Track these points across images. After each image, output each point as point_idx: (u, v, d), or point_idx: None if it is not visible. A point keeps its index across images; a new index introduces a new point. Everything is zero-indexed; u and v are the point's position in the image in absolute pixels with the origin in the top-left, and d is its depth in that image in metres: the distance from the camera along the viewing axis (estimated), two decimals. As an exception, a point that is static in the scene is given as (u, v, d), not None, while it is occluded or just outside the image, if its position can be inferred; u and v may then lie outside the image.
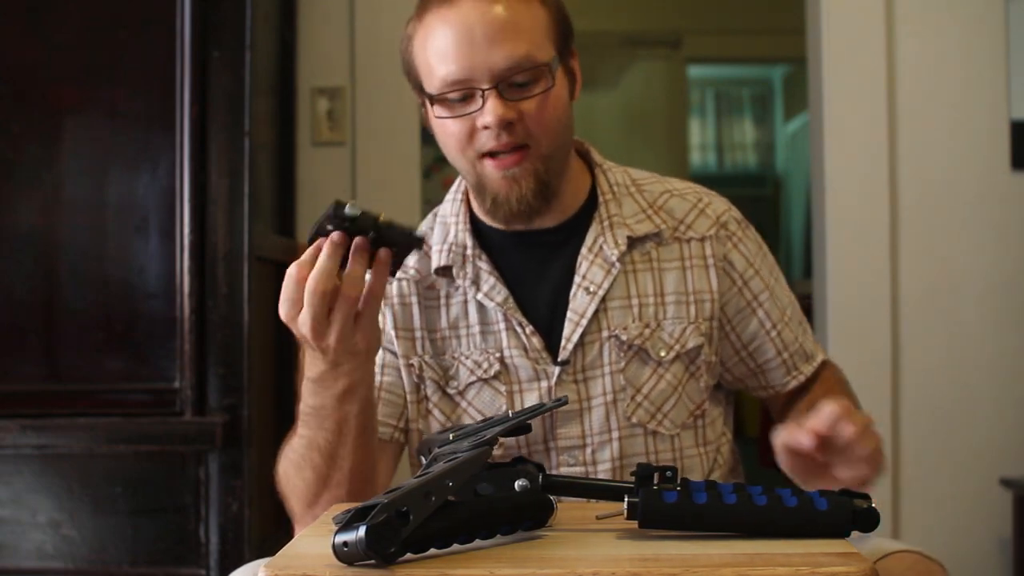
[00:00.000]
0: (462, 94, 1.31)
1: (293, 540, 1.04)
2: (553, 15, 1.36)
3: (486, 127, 1.31)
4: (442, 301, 1.43)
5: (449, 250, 1.43)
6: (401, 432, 1.43)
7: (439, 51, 1.31)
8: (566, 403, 1.07)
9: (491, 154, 1.33)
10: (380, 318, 1.42)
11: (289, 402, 2.61)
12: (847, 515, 1.00)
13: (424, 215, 1.54)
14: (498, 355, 1.40)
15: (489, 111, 1.30)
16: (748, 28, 5.91)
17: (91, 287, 2.19)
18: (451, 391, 1.41)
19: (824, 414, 1.12)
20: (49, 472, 2.15)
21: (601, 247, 1.41)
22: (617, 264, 1.40)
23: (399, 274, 1.43)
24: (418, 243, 1.11)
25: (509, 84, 1.31)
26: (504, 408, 1.39)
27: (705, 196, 1.48)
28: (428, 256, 1.45)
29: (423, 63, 1.34)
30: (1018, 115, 2.72)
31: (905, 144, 2.74)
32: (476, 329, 1.41)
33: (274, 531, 2.45)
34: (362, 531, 0.88)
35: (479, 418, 1.39)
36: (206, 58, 2.19)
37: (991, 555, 2.70)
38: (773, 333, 1.47)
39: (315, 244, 1.10)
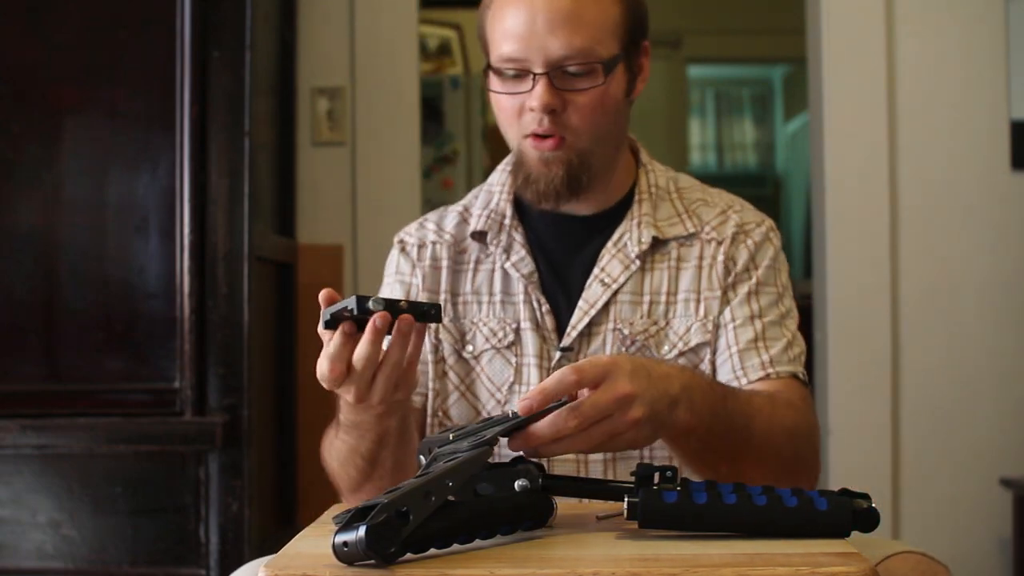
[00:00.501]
0: (517, 71, 1.35)
1: (293, 540, 1.04)
2: (627, 11, 1.38)
3: (532, 109, 1.35)
4: (470, 266, 1.47)
5: (488, 216, 1.46)
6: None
7: (504, 27, 1.35)
8: (566, 403, 1.07)
9: (533, 134, 1.37)
10: (409, 284, 1.47)
11: (289, 402, 2.62)
12: (847, 515, 1.00)
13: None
14: (514, 326, 1.43)
15: (536, 96, 1.34)
16: (748, 28, 5.90)
17: (91, 287, 2.19)
18: (466, 355, 1.44)
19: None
20: (49, 472, 2.15)
21: (625, 243, 1.43)
22: (636, 261, 1.41)
23: (434, 238, 1.49)
24: (437, 316, 1.12)
25: (562, 72, 1.34)
26: (511, 380, 1.42)
27: (737, 204, 1.48)
28: (466, 222, 1.48)
29: (491, 34, 1.39)
30: (1018, 115, 2.72)
31: (905, 144, 2.74)
32: (498, 298, 1.44)
33: (274, 531, 2.45)
34: (362, 531, 0.88)
35: (490, 385, 1.42)
36: (206, 58, 2.19)
37: (991, 555, 2.70)
38: (730, 327, 1.40)
39: (341, 331, 1.10)
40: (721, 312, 1.41)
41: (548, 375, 1.35)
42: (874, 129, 2.73)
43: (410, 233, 1.52)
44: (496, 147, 4.46)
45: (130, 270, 2.19)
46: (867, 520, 1.01)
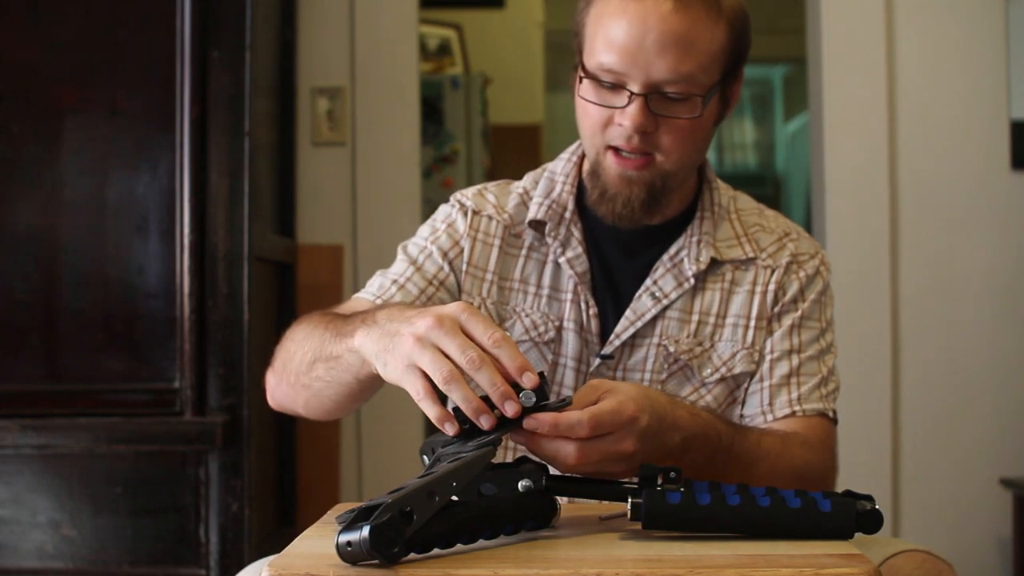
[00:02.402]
0: (612, 84, 1.31)
1: (296, 539, 1.03)
2: (733, 39, 1.34)
3: (621, 125, 1.31)
4: (523, 252, 1.43)
5: (549, 206, 1.42)
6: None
7: (608, 36, 1.30)
8: (569, 403, 1.07)
9: (617, 149, 1.33)
10: (458, 242, 1.42)
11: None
12: (850, 516, 1.00)
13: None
14: (557, 324, 1.39)
15: (630, 115, 1.29)
16: (748, 28, 5.90)
17: (91, 287, 2.19)
18: None
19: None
20: (49, 472, 2.15)
21: (682, 259, 1.40)
22: (692, 280, 1.39)
23: (492, 212, 1.44)
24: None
25: (660, 95, 1.30)
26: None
27: (794, 232, 1.46)
28: (525, 205, 1.44)
29: (591, 35, 1.33)
30: (1018, 115, 2.73)
31: (905, 144, 2.74)
32: (546, 292, 1.41)
33: (274, 531, 2.45)
34: (366, 531, 0.88)
35: None
36: (206, 58, 2.19)
37: (991, 555, 2.70)
38: (768, 358, 1.40)
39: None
40: (764, 342, 1.40)
41: (584, 380, 1.34)
42: (874, 129, 2.73)
43: (468, 197, 1.46)
44: (496, 147, 4.47)
45: (130, 270, 2.19)
46: (870, 521, 1.01)
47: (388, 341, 1.06)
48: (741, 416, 1.40)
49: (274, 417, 2.49)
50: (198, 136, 2.18)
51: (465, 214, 1.44)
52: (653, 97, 1.29)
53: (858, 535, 1.01)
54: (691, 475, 1.13)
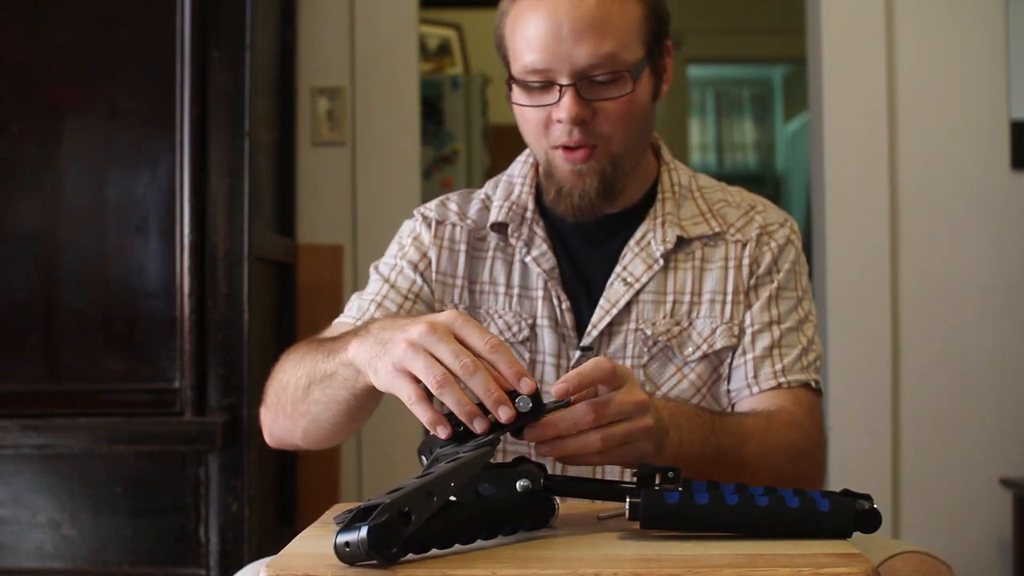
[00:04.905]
0: (542, 83, 1.32)
1: (294, 540, 1.03)
2: (649, 12, 1.34)
3: (559, 121, 1.32)
4: (489, 254, 1.44)
5: (510, 208, 1.44)
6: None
7: (527, 38, 1.31)
8: (569, 405, 1.07)
9: (563, 146, 1.34)
10: (425, 253, 1.43)
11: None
12: (849, 516, 1.00)
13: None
14: (530, 321, 1.40)
15: (564, 107, 1.30)
16: (748, 28, 5.91)
17: (91, 287, 2.19)
18: None
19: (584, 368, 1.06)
20: (49, 472, 2.15)
21: (649, 242, 1.41)
22: (660, 261, 1.40)
23: (455, 220, 1.45)
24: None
25: (589, 81, 1.31)
26: None
27: (760, 205, 1.48)
28: (487, 209, 1.46)
29: (511, 44, 1.35)
30: (1018, 115, 2.72)
31: (905, 144, 2.74)
32: (516, 291, 1.42)
33: (274, 531, 2.45)
34: (364, 531, 0.88)
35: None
36: (206, 58, 2.19)
37: (991, 555, 2.70)
38: (749, 331, 1.41)
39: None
40: (743, 316, 1.41)
41: (565, 373, 1.34)
42: (874, 129, 2.73)
43: (431, 208, 1.48)
44: (496, 147, 4.47)
45: (130, 270, 2.19)
46: (869, 521, 1.01)
47: (381, 348, 1.07)
48: (728, 392, 1.41)
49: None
50: (198, 136, 2.18)
51: (429, 225, 1.46)
52: (582, 85, 1.30)
53: (856, 535, 1.01)
54: (688, 461, 1.15)
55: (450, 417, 1.04)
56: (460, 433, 1.04)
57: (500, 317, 1.42)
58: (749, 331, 1.40)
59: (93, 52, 2.21)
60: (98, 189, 2.20)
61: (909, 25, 2.74)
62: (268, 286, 2.54)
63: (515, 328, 1.41)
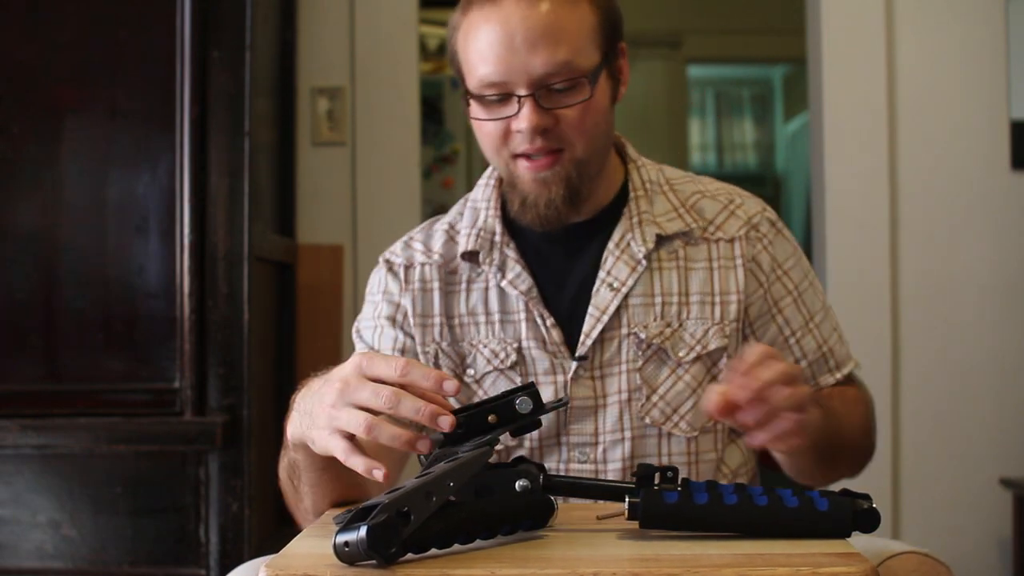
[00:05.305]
0: (499, 95, 1.31)
1: (294, 540, 1.04)
2: (601, 16, 1.34)
3: (520, 131, 1.31)
4: (463, 287, 1.43)
5: (478, 235, 1.42)
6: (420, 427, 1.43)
7: (480, 51, 1.30)
8: (567, 404, 1.07)
9: (525, 155, 1.34)
10: (398, 304, 1.43)
11: (289, 402, 2.61)
12: (848, 515, 1.00)
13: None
14: (516, 345, 1.39)
15: (524, 117, 1.30)
16: (748, 28, 5.91)
17: (91, 287, 2.19)
18: (468, 379, 1.40)
19: (746, 355, 1.09)
20: (49, 472, 2.15)
21: (629, 243, 1.40)
22: (643, 262, 1.39)
23: (422, 259, 1.45)
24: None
25: (547, 89, 1.30)
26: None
27: (737, 197, 1.47)
28: (454, 241, 1.45)
29: (465, 58, 1.34)
30: (1018, 115, 2.72)
31: (905, 144, 2.74)
32: (496, 317, 1.41)
33: (274, 531, 2.45)
34: (363, 531, 0.88)
35: None
36: (206, 58, 2.19)
37: (991, 555, 2.70)
38: (792, 340, 1.43)
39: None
40: (763, 323, 1.42)
41: (564, 387, 1.35)
42: (874, 129, 2.73)
43: (396, 253, 1.47)
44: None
45: (130, 270, 2.19)
46: (868, 520, 1.01)
47: (308, 420, 1.10)
48: None
49: (274, 417, 2.49)
50: (198, 136, 2.18)
51: (396, 273, 1.45)
52: (541, 94, 1.29)
53: (855, 536, 1.01)
54: (817, 437, 1.19)
55: (456, 413, 1.04)
56: (462, 433, 1.04)
57: (485, 346, 1.40)
58: (792, 340, 1.43)
59: (93, 52, 2.21)
60: (98, 189, 2.20)
61: (909, 25, 2.74)
62: (268, 286, 2.54)
63: (501, 355, 1.39)
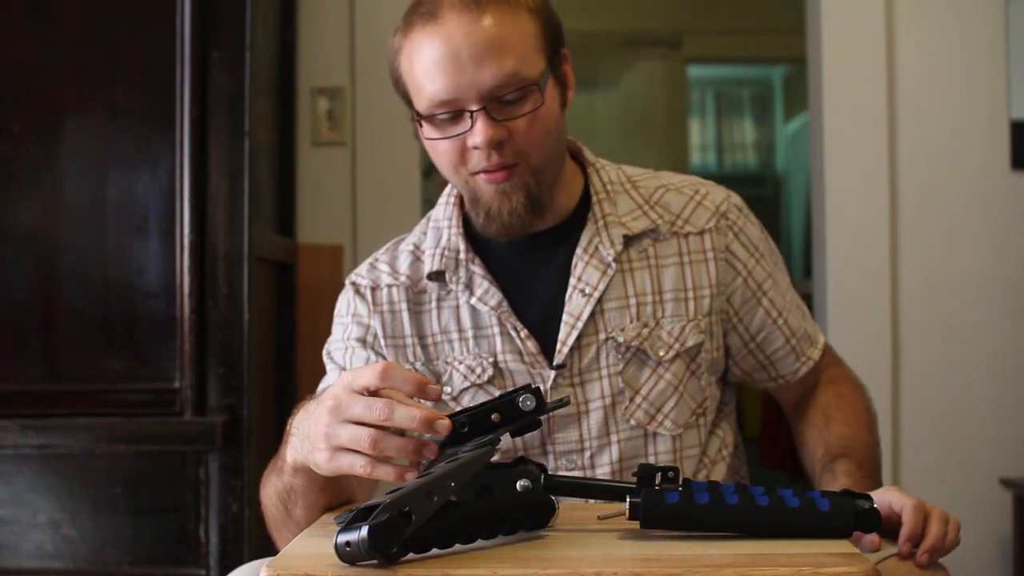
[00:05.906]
0: (451, 114, 1.30)
1: (295, 540, 1.04)
2: (542, 23, 1.34)
3: (476, 147, 1.30)
4: (432, 306, 1.42)
5: (442, 255, 1.42)
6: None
7: (426, 70, 1.30)
8: (567, 403, 1.07)
9: (483, 170, 1.33)
10: (368, 325, 1.43)
11: (289, 402, 2.61)
12: (848, 515, 1.00)
13: (424, 215, 1.54)
14: (491, 360, 1.39)
15: (478, 132, 1.29)
16: (748, 28, 5.91)
17: (91, 287, 2.19)
18: (445, 397, 1.40)
19: (907, 527, 1.21)
20: (49, 472, 2.15)
21: (597, 247, 1.40)
22: (613, 264, 1.39)
23: (389, 280, 1.44)
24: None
25: (498, 102, 1.29)
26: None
27: (702, 187, 1.47)
28: (420, 261, 1.45)
29: (411, 80, 1.34)
30: (1018, 115, 2.72)
31: (905, 144, 2.74)
32: (469, 334, 1.40)
33: (274, 531, 2.45)
34: (364, 531, 0.88)
35: None
36: (206, 58, 2.19)
37: (991, 555, 2.70)
38: (780, 321, 1.46)
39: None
40: (749, 309, 1.44)
41: (548, 396, 1.35)
42: (874, 129, 2.73)
43: (362, 275, 1.47)
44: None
45: (130, 270, 2.19)
46: (868, 520, 1.01)
47: (308, 443, 1.10)
48: (777, 378, 1.51)
49: (274, 417, 2.49)
50: (198, 136, 2.18)
51: (363, 296, 1.45)
52: (492, 107, 1.29)
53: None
54: None
55: (453, 417, 1.04)
56: (464, 432, 1.04)
57: (460, 363, 1.40)
58: (779, 321, 1.46)
59: (93, 52, 2.21)
60: (98, 189, 2.20)
61: (909, 25, 2.74)
62: (268, 286, 2.54)
63: (478, 370, 1.39)
